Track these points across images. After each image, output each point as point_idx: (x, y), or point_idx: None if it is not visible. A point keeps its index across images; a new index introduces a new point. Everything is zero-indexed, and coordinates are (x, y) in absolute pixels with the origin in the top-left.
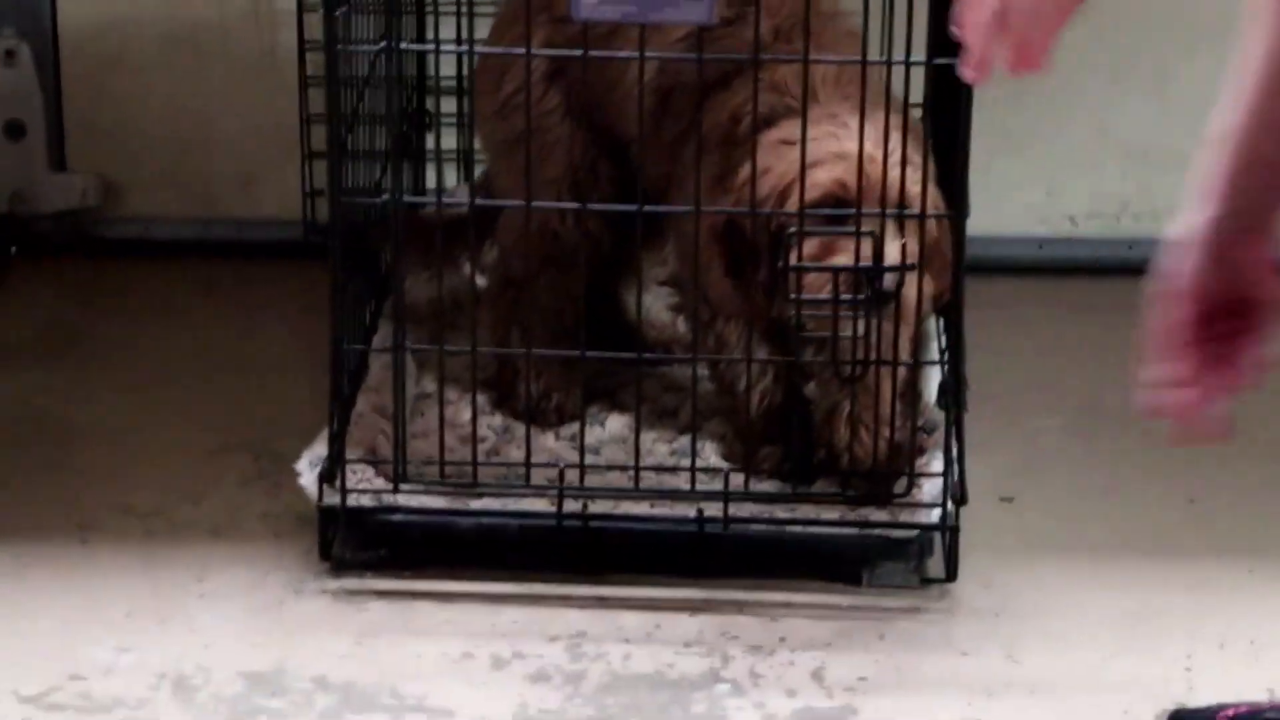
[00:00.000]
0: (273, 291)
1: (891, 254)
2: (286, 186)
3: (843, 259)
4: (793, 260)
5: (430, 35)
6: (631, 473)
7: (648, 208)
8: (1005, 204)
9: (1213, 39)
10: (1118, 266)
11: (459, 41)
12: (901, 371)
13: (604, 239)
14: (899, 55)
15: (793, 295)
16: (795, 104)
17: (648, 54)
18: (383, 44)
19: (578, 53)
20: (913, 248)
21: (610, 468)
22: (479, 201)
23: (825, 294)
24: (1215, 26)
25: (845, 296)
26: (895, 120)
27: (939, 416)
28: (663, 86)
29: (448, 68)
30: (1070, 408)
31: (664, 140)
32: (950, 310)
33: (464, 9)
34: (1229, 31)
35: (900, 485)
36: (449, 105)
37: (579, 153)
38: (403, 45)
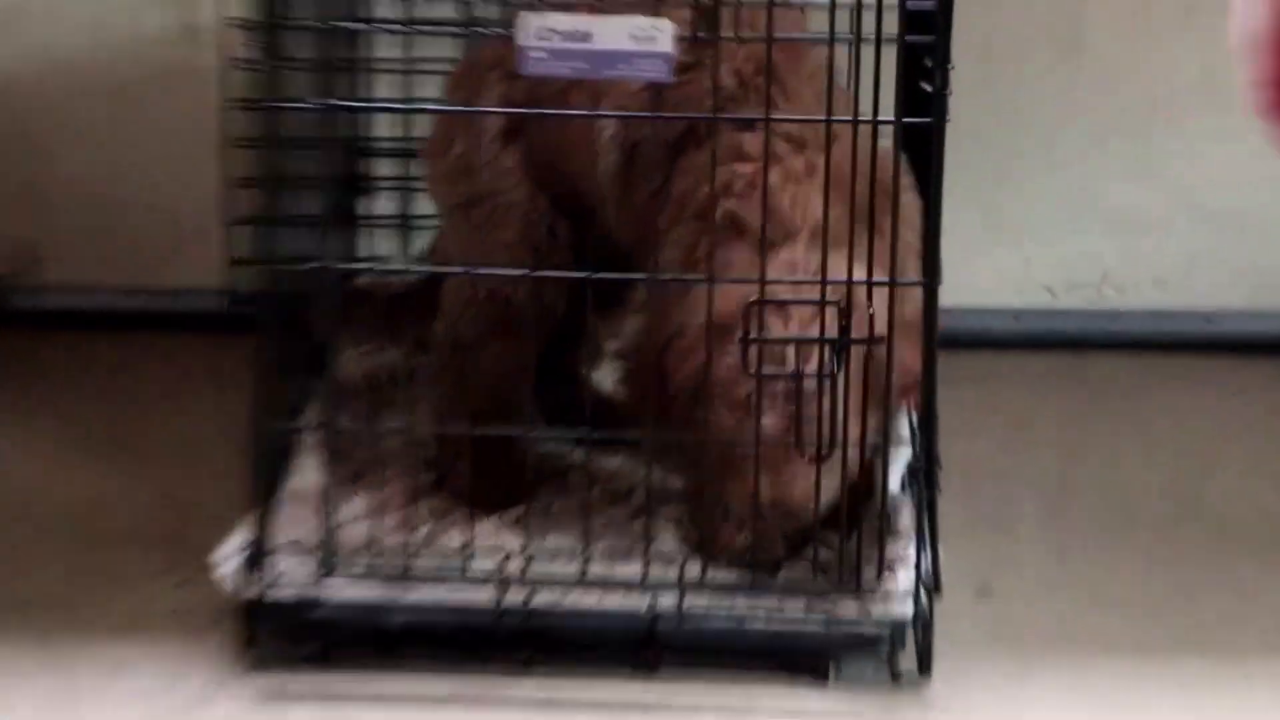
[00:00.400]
0: (195, 365)
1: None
2: (208, 254)
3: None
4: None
5: (366, 94)
6: (579, 561)
7: (598, 275)
8: (979, 273)
9: (1199, 97)
10: (1100, 341)
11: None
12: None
13: (559, 307)
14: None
15: (752, 371)
16: (776, 153)
17: (605, 113)
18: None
19: (526, 110)
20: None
21: (556, 555)
22: (415, 268)
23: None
24: (1201, 83)
25: (810, 369)
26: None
27: (901, 500)
28: (627, 141)
29: (384, 129)
30: (1052, 492)
31: (635, 202)
32: (923, 386)
33: (402, 66)
34: (1215, 88)
35: (870, 575)
36: (385, 169)
37: (537, 215)
38: (338, 103)
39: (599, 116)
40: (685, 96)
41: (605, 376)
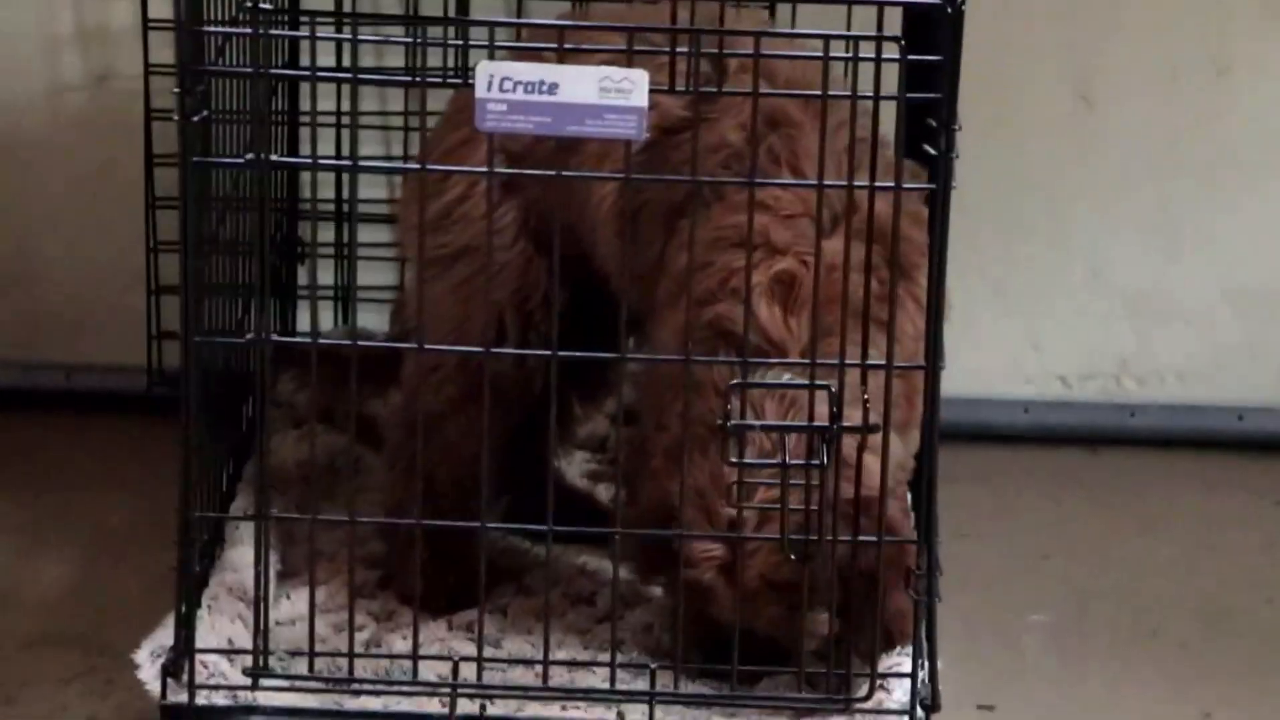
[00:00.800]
0: (109, 451)
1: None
2: (127, 327)
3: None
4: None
5: (303, 151)
6: (539, 668)
7: (563, 353)
8: (986, 360)
9: (1222, 171)
10: (1117, 436)
11: (339, 156)
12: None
13: (537, 381)
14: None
15: (734, 459)
16: (773, 243)
17: (578, 173)
18: (249, 157)
19: (482, 170)
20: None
21: (514, 662)
22: (361, 344)
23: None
24: (1224, 156)
25: (796, 461)
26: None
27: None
28: (627, 207)
29: (325, 189)
30: (1063, 602)
31: (636, 269)
32: (921, 482)
33: (344, 120)
34: (1249, 154)
35: (861, 688)
36: (326, 234)
37: (533, 278)
38: (273, 159)
39: (563, 177)
40: (686, 155)
41: (573, 465)
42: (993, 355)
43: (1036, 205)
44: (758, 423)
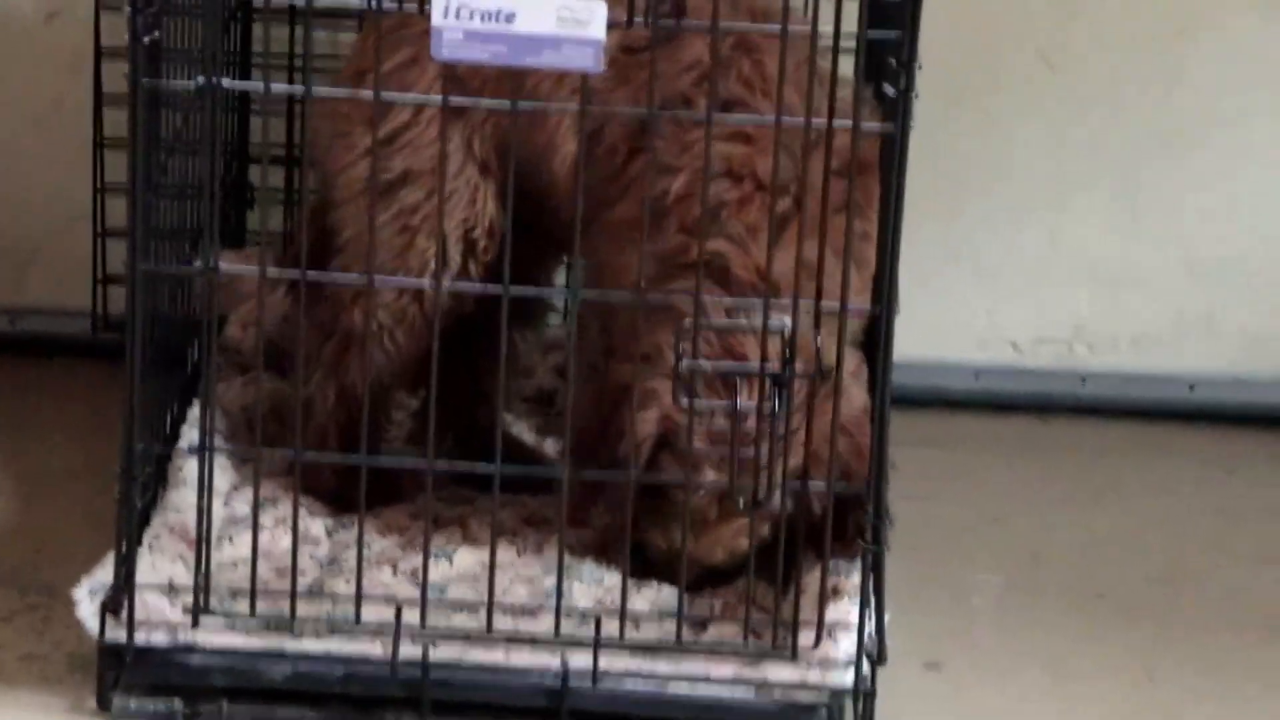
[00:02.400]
0: (51, 394)
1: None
2: (71, 269)
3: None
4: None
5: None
6: (483, 613)
7: (515, 288)
8: (938, 325)
9: (1181, 138)
10: (1068, 404)
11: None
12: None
13: (466, 307)
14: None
15: (685, 400)
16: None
17: (531, 103)
18: (200, 81)
19: (437, 99)
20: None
21: (458, 606)
22: (312, 276)
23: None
24: (1185, 125)
25: (747, 404)
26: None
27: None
28: (589, 124)
29: (275, 134)
30: (1010, 563)
31: (590, 185)
32: (873, 428)
33: (298, 62)
34: (1199, 131)
35: (807, 639)
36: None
37: (479, 208)
38: (225, 82)
39: (519, 109)
40: (657, 74)
41: (520, 421)
42: (943, 318)
43: (995, 167)
44: (708, 363)
